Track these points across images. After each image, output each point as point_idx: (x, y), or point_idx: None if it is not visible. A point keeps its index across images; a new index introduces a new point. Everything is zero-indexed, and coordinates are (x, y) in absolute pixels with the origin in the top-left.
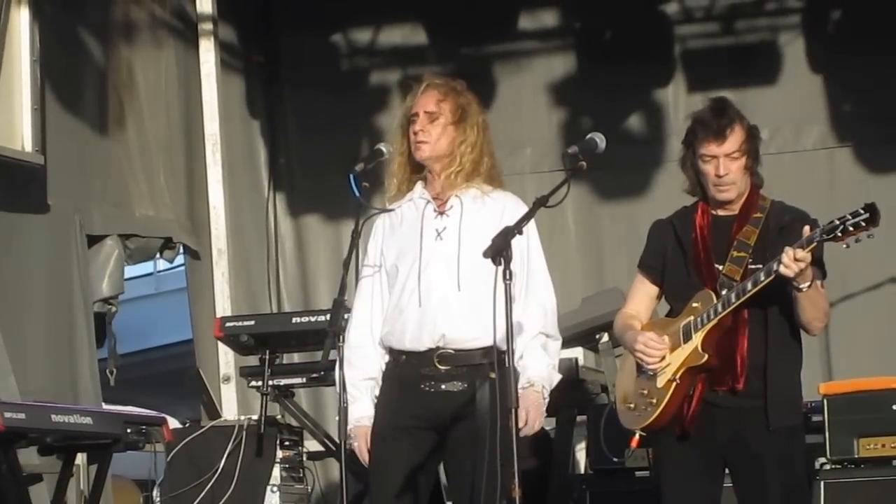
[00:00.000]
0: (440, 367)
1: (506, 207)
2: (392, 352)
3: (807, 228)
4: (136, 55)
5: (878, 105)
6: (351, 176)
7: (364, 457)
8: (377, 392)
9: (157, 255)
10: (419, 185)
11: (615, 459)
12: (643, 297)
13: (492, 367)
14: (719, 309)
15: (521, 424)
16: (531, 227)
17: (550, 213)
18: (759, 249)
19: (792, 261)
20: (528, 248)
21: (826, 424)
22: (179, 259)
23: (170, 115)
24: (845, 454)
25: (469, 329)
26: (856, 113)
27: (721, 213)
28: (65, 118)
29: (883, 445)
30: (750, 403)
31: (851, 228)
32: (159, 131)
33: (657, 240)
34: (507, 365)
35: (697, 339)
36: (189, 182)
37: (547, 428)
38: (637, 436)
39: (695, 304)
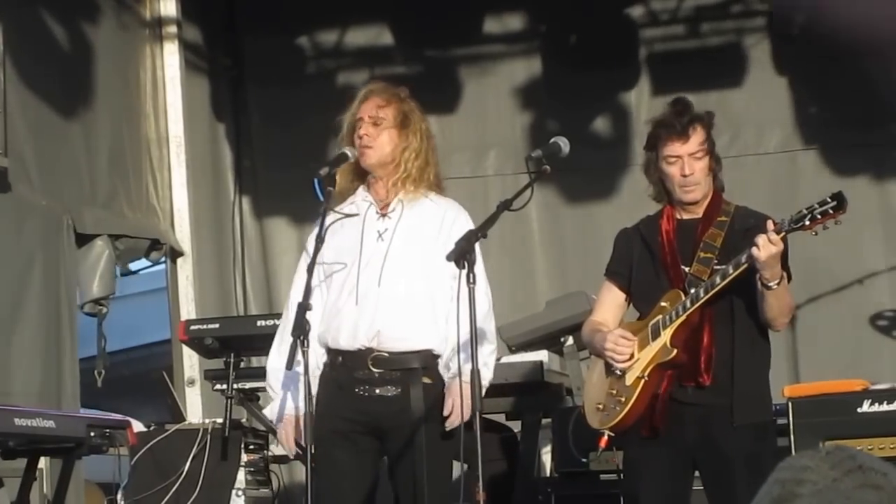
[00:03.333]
0: (374, 370)
1: (447, 212)
2: (329, 352)
3: (770, 223)
4: (121, 56)
5: (845, 108)
6: (315, 180)
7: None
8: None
9: (144, 256)
10: (361, 189)
11: (583, 460)
12: (611, 305)
13: (426, 371)
14: (687, 305)
15: (446, 412)
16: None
17: (513, 215)
18: (725, 251)
19: (767, 243)
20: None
21: (791, 427)
22: (143, 262)
23: (157, 117)
24: None
25: (402, 331)
26: (822, 116)
27: (686, 216)
28: (48, 120)
29: None
30: (717, 400)
31: (819, 216)
32: (146, 132)
33: (624, 246)
34: (472, 368)
35: (666, 335)
36: (171, 184)
37: (515, 430)
38: (605, 436)
39: (663, 304)
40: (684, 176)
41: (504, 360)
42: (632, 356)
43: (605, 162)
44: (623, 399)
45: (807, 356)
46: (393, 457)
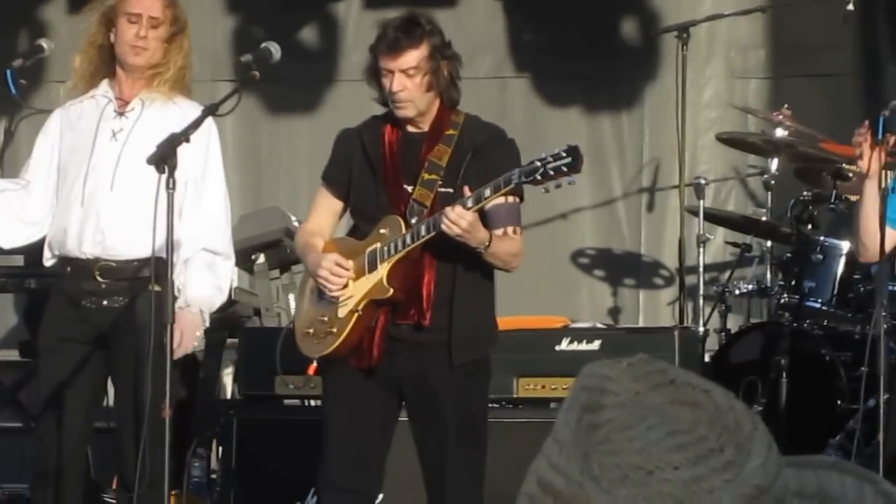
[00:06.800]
0: (101, 280)
1: (188, 116)
2: (57, 261)
3: (467, 189)
4: None
5: (559, 38)
6: (8, 72)
7: None
8: None
9: None
10: (104, 83)
11: (265, 385)
12: (327, 213)
13: (156, 279)
14: (407, 241)
15: (175, 345)
16: (213, 137)
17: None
18: (451, 171)
19: (451, 224)
20: (206, 158)
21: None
22: None
23: None
24: (504, 393)
25: (130, 236)
26: (535, 44)
27: (412, 129)
28: None
29: (543, 387)
30: (433, 338)
31: (552, 172)
32: None
33: (343, 151)
34: (167, 278)
35: (383, 270)
36: None
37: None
38: (315, 364)
39: (382, 231)
40: (392, 92)
41: None
42: (346, 285)
43: (309, 74)
44: (335, 330)
45: (505, 288)
46: (118, 365)
